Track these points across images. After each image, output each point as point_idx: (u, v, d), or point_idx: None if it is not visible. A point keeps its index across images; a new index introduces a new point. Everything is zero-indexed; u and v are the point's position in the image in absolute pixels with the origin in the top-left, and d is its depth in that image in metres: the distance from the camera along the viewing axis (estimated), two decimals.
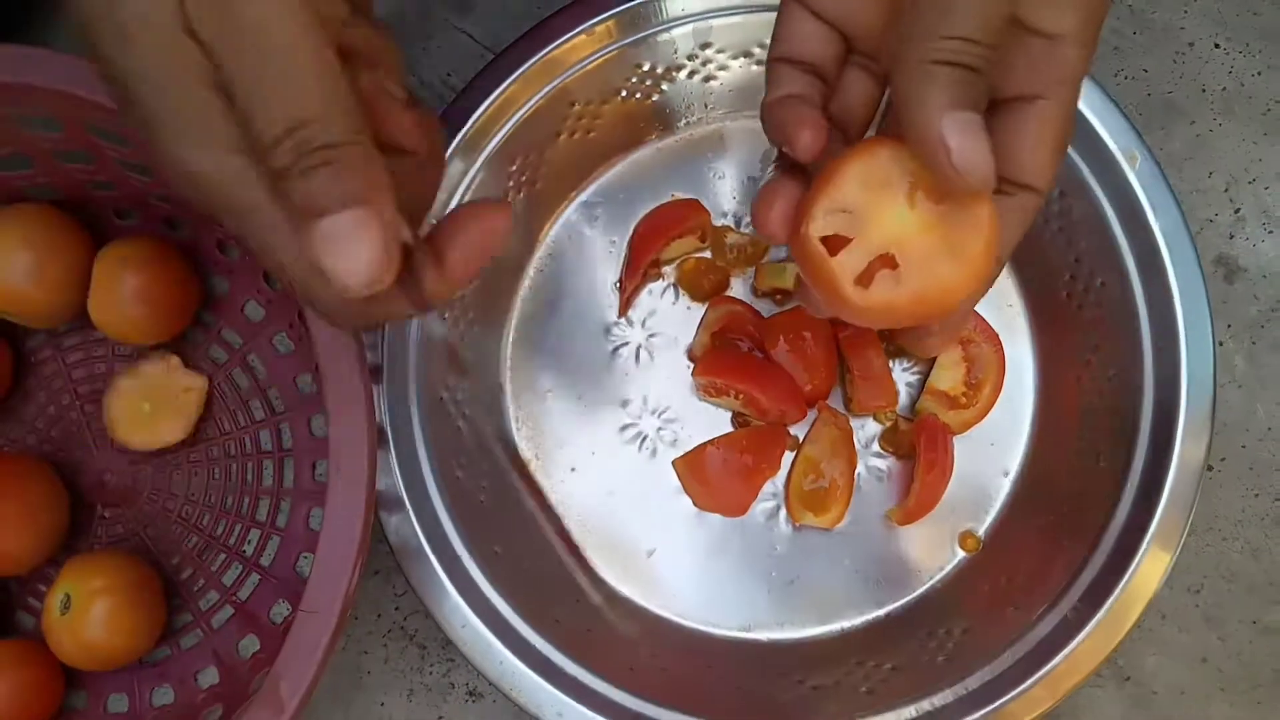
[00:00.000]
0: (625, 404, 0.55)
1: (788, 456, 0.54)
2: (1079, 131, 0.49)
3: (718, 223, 0.55)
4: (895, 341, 0.54)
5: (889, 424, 0.54)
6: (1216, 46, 0.57)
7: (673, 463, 0.54)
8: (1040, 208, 0.35)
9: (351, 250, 0.26)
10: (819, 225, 0.34)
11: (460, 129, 0.49)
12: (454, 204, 0.50)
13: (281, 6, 0.26)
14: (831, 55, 0.37)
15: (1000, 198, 0.34)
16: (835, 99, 0.37)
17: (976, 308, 0.53)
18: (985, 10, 0.30)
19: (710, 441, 0.53)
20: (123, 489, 0.55)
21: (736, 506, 0.53)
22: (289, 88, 0.26)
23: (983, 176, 0.30)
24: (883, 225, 0.33)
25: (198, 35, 0.27)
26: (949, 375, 0.53)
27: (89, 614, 0.49)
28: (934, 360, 0.54)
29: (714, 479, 0.53)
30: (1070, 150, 0.49)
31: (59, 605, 0.49)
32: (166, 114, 0.28)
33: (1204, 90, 0.57)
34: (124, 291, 0.51)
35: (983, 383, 0.53)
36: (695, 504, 0.54)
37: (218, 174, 0.28)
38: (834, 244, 0.34)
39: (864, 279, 0.34)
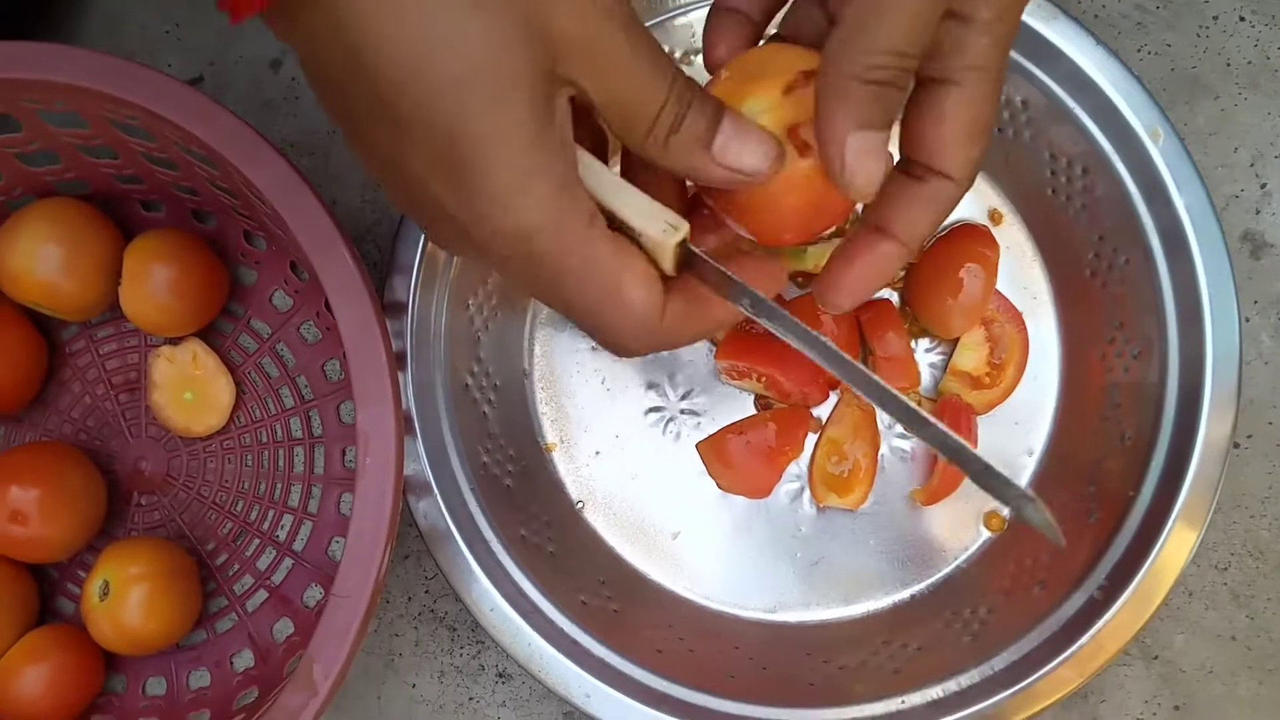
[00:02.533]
0: (649, 388, 0.55)
1: (811, 438, 0.54)
2: (1101, 107, 0.49)
3: None
4: (919, 322, 0.54)
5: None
6: (1241, 19, 0.56)
7: (696, 446, 0.54)
8: (958, 199, 0.34)
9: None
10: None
11: None
12: None
13: None
14: None
15: (911, 182, 0.33)
16: (786, 23, 0.36)
17: (999, 286, 0.53)
18: (913, 24, 0.29)
19: (733, 424, 0.54)
20: (158, 477, 0.56)
21: (760, 489, 0.53)
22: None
23: (862, 194, 0.31)
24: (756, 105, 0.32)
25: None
26: (972, 355, 0.53)
27: (127, 600, 0.50)
28: (956, 340, 0.54)
29: (737, 461, 0.53)
30: (1093, 126, 0.49)
31: (98, 591, 0.50)
32: (500, 166, 0.29)
33: (1229, 64, 0.56)
34: (154, 283, 0.52)
35: (1006, 362, 0.53)
36: (719, 486, 0.54)
37: (555, 217, 0.30)
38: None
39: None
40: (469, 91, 0.28)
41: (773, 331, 0.33)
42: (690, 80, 0.32)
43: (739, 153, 0.31)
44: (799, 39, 0.35)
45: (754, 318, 0.33)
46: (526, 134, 0.29)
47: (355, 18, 0.28)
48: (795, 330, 0.32)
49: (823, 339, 0.32)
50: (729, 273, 0.33)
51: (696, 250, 0.33)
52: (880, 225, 0.34)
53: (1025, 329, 0.54)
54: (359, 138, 0.32)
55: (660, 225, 0.32)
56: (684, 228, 0.32)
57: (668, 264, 0.33)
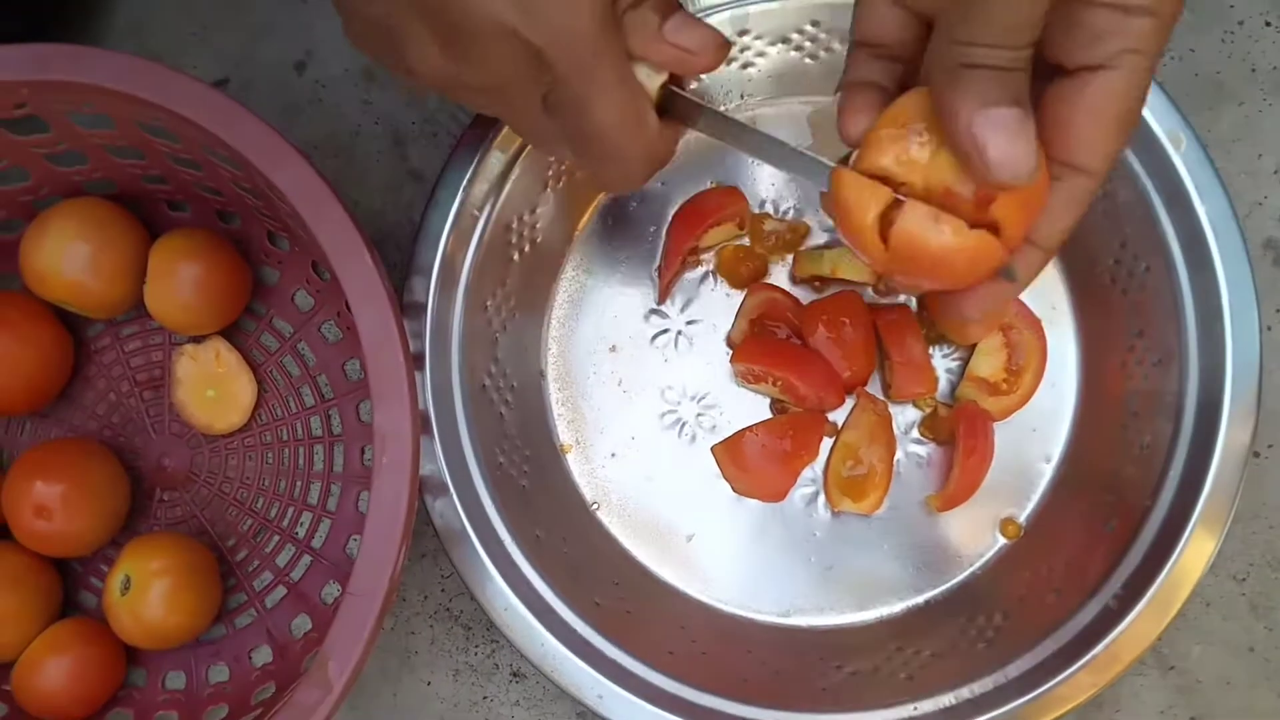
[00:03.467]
0: (665, 390, 0.55)
1: (826, 442, 0.54)
2: None
3: (756, 210, 0.56)
4: (936, 327, 0.54)
5: (929, 410, 0.54)
6: (1267, 25, 0.56)
7: (711, 448, 0.54)
8: (1095, 192, 0.33)
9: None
10: (868, 156, 0.33)
11: (502, 123, 0.50)
12: (503, 195, 0.51)
13: None
14: (910, 38, 0.35)
15: (1051, 182, 0.33)
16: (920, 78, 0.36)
17: (1027, 300, 0.53)
18: (1010, 15, 0.29)
19: (749, 427, 0.54)
20: (181, 473, 0.57)
21: (775, 492, 0.54)
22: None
23: (1015, 173, 0.30)
24: (924, 171, 0.32)
25: None
26: (989, 361, 0.53)
27: (148, 594, 0.50)
28: (974, 346, 0.53)
29: (752, 464, 0.53)
30: None
31: (119, 586, 0.51)
32: None
33: (1253, 70, 0.56)
34: (179, 282, 0.53)
35: (1024, 369, 0.53)
36: (733, 489, 0.54)
37: (606, 29, 0.33)
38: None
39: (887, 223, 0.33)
40: None
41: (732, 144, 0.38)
42: None
43: (687, 36, 0.35)
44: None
45: (721, 139, 0.38)
46: None
47: None
48: (753, 140, 0.37)
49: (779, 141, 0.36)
50: (703, 103, 0.37)
51: (678, 90, 0.37)
52: None
53: (1043, 335, 0.53)
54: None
55: (643, 71, 0.36)
56: (664, 74, 0.37)
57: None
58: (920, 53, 0.34)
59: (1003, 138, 0.29)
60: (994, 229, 0.32)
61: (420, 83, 0.36)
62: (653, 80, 0.37)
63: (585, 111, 0.35)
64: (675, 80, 0.38)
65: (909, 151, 0.33)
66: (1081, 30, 0.31)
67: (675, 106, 0.37)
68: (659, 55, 0.36)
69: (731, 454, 0.54)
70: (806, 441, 0.53)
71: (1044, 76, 0.32)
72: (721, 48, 0.36)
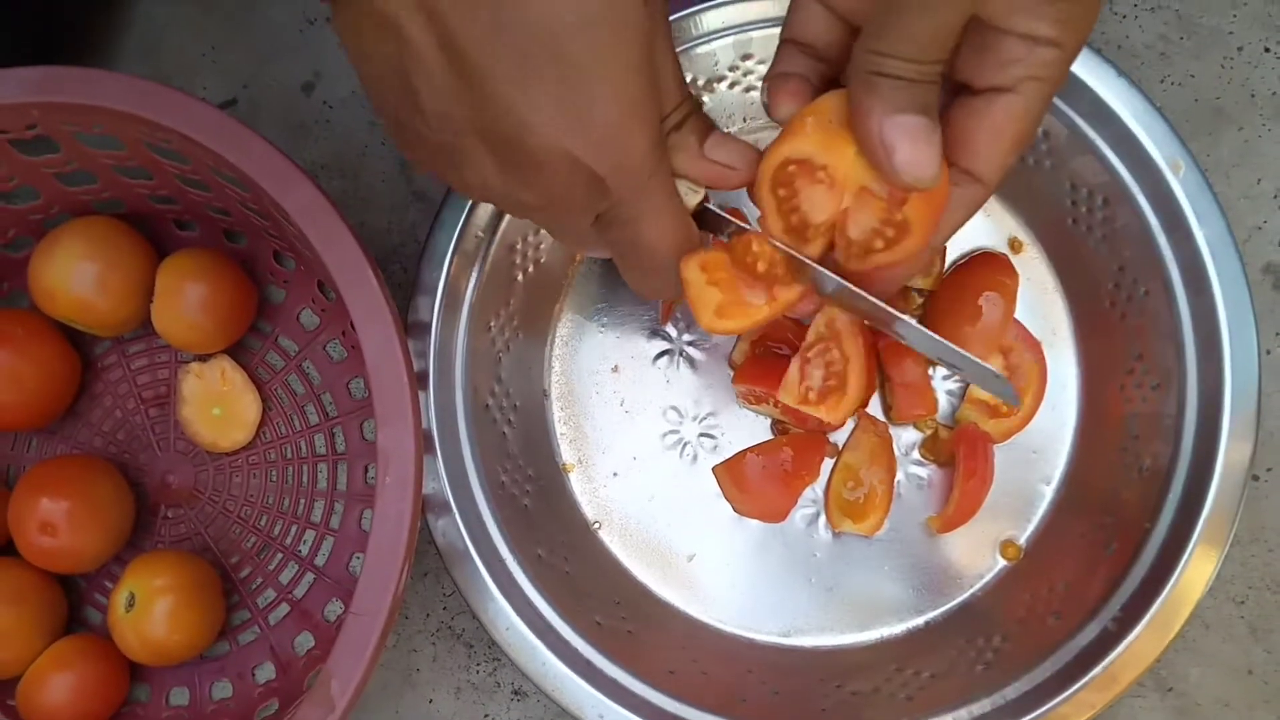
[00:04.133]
0: (667, 410, 0.56)
1: (827, 464, 0.54)
2: (1122, 139, 0.49)
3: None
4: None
5: (929, 432, 0.54)
6: (1266, 50, 0.56)
7: (713, 469, 0.55)
8: (985, 200, 0.36)
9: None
10: (773, 163, 0.36)
11: None
12: (507, 217, 0.51)
13: None
14: (835, 40, 0.37)
15: (950, 187, 0.35)
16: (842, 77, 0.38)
17: (1019, 315, 0.53)
18: (922, 33, 0.31)
19: (750, 448, 0.54)
20: (185, 490, 0.57)
21: (775, 513, 0.54)
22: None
23: (919, 176, 0.32)
24: (837, 169, 0.35)
25: None
26: None
27: (152, 611, 0.51)
28: None
29: (753, 485, 0.53)
30: (1114, 158, 0.49)
31: (124, 602, 0.51)
32: (615, 98, 0.32)
33: (1253, 95, 0.56)
34: (186, 300, 0.53)
35: (1024, 391, 0.53)
36: (734, 509, 0.54)
37: (656, 148, 0.34)
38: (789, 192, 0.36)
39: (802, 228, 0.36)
40: (595, 32, 0.31)
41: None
42: (698, 101, 0.37)
43: (726, 153, 0.37)
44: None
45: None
46: (637, 74, 0.32)
47: None
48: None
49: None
50: (739, 223, 0.38)
51: (711, 206, 0.39)
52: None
53: (1044, 358, 0.54)
54: (455, 98, 0.32)
55: (684, 186, 0.38)
56: (703, 190, 0.38)
57: None
58: (844, 56, 0.37)
59: (908, 143, 0.32)
60: (904, 228, 0.35)
61: (471, 195, 0.38)
62: (692, 197, 0.38)
63: (638, 230, 0.36)
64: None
65: (831, 145, 0.35)
66: (991, 55, 0.33)
67: (707, 221, 0.39)
68: (700, 173, 0.37)
69: (732, 475, 0.54)
70: (807, 462, 0.53)
71: (953, 91, 0.35)
72: (755, 162, 0.37)
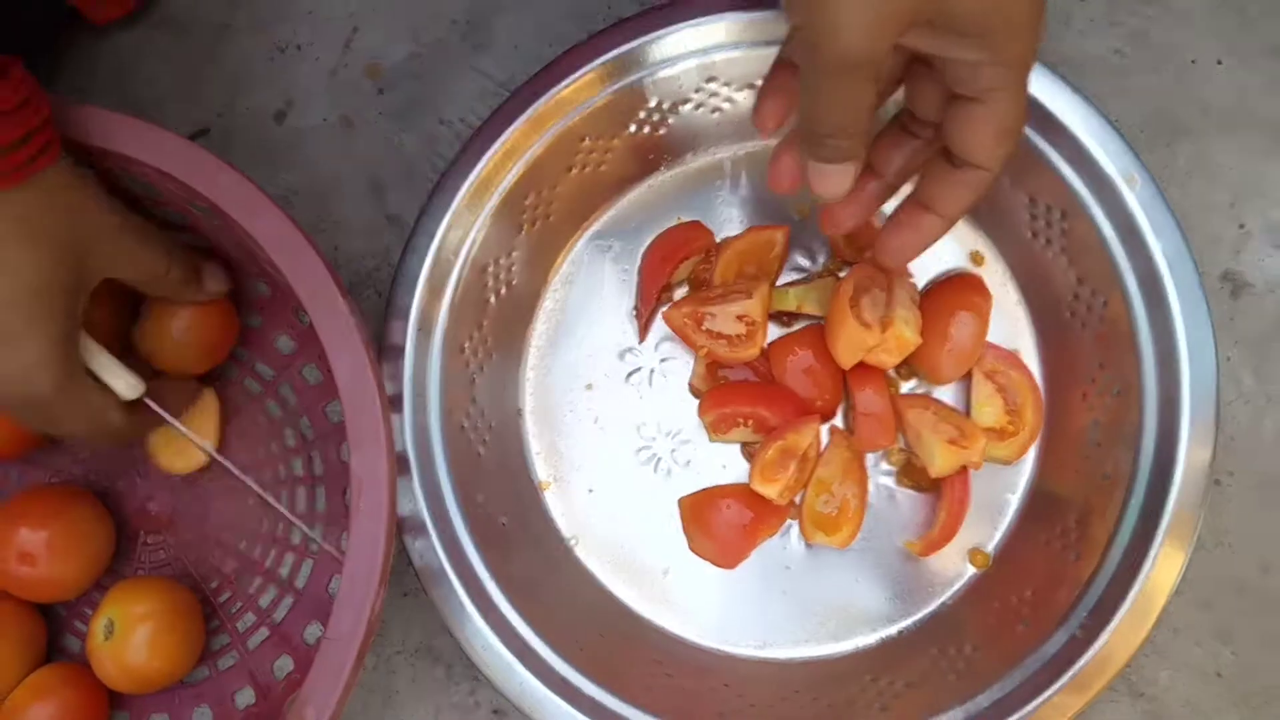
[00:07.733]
0: (640, 426, 0.56)
1: (789, 523, 0.55)
2: (1077, 154, 0.50)
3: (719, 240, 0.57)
4: (909, 364, 0.55)
5: (900, 464, 0.55)
6: (1219, 63, 0.57)
7: (679, 501, 0.55)
8: (991, 183, 0.41)
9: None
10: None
11: (472, 170, 0.51)
12: (472, 237, 0.52)
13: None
14: None
15: (952, 169, 0.42)
16: None
17: (989, 337, 0.54)
18: (836, 121, 0.37)
19: (720, 489, 0.55)
20: (164, 516, 0.58)
21: (728, 560, 0.54)
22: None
23: (828, 197, 0.40)
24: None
25: None
26: (989, 410, 0.54)
27: (131, 639, 0.51)
28: (969, 402, 0.55)
29: (715, 529, 0.54)
30: (1069, 172, 0.50)
31: (103, 630, 0.51)
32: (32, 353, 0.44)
33: (1208, 107, 0.57)
34: (172, 326, 0.54)
35: (1022, 406, 0.54)
36: (690, 548, 0.55)
37: (64, 379, 0.45)
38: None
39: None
40: (18, 311, 0.42)
41: None
42: (184, 248, 0.50)
43: (218, 278, 0.53)
44: None
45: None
46: (55, 336, 0.44)
47: None
48: None
49: None
50: (176, 422, 0.52)
51: (147, 400, 0.50)
52: (925, 202, 0.43)
53: (1027, 370, 0.54)
54: None
55: (130, 381, 0.49)
56: (142, 386, 0.49)
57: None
58: None
59: (821, 183, 0.40)
60: None
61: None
62: (133, 391, 0.49)
63: (61, 427, 0.47)
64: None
65: None
66: (949, 75, 0.39)
67: (144, 408, 0.50)
68: (204, 295, 0.53)
69: (695, 513, 0.55)
70: (768, 520, 0.54)
71: (949, 97, 0.40)
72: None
